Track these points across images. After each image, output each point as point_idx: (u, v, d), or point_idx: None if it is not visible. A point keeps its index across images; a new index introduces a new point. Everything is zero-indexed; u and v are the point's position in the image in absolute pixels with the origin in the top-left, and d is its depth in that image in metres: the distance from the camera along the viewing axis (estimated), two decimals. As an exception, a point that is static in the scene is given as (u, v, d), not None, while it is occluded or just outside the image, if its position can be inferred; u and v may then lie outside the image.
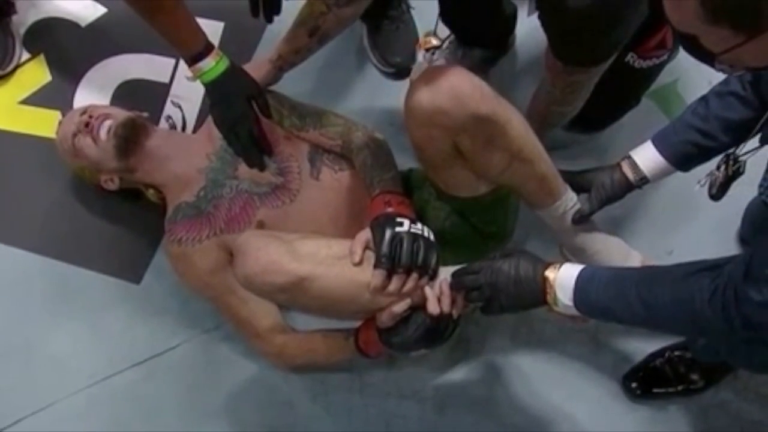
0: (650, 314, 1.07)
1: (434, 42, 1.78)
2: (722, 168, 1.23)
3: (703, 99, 1.29)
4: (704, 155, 1.28)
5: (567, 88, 1.41)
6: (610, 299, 1.10)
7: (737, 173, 1.22)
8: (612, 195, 1.34)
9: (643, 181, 1.33)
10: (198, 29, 1.39)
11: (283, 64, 1.51)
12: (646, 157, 1.32)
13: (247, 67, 1.48)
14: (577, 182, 1.36)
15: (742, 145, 1.22)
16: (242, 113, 1.44)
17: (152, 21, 1.36)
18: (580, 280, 1.12)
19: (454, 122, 1.21)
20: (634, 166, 1.32)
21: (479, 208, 1.40)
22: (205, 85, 1.42)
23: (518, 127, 1.25)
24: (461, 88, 1.20)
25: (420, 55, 1.81)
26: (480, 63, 1.77)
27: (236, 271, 1.25)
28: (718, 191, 1.25)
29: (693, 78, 1.75)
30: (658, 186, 1.35)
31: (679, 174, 1.34)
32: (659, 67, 1.53)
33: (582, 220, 1.35)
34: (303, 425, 1.55)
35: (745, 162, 1.22)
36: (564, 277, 1.13)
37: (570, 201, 1.34)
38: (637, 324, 1.13)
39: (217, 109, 1.46)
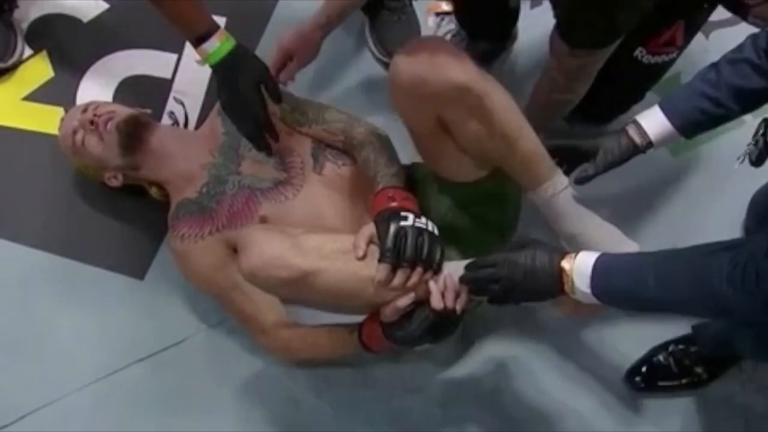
0: (669, 296, 1.06)
1: (444, 7, 1.78)
2: (761, 132, 1.20)
3: (714, 66, 1.27)
4: (712, 122, 1.27)
5: (571, 74, 1.40)
6: (628, 284, 1.09)
7: None
8: (618, 159, 1.34)
9: (649, 145, 1.32)
10: (203, 10, 1.37)
11: (331, 28, 1.50)
12: (654, 122, 1.31)
13: (297, 35, 1.47)
14: (583, 149, 1.35)
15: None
16: (250, 97, 1.41)
17: (157, 2, 1.35)
18: (598, 266, 1.11)
19: (433, 90, 1.22)
20: (641, 130, 1.32)
21: (478, 195, 1.40)
22: (212, 67, 1.39)
23: (499, 101, 1.25)
24: (439, 57, 1.21)
25: (430, 20, 1.81)
26: (483, 55, 1.76)
27: (240, 265, 1.25)
28: (758, 158, 1.22)
29: (696, 71, 1.74)
30: (660, 179, 1.35)
31: (683, 167, 1.33)
32: (667, 65, 1.53)
33: (585, 180, 1.34)
34: (307, 420, 1.55)
35: None
36: (581, 264, 1.13)
37: (560, 184, 1.32)
38: (656, 307, 1.12)
39: (223, 92, 1.41)
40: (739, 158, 1.25)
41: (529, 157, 1.30)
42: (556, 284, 1.15)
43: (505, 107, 1.26)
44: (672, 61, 1.52)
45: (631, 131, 1.33)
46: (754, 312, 1.00)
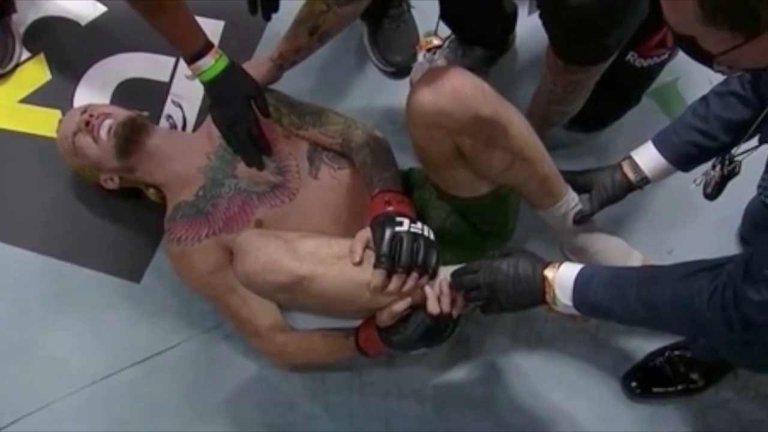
0: (650, 314, 1.07)
1: (435, 42, 1.78)
2: (717, 168, 1.23)
3: (704, 99, 1.29)
4: (705, 155, 1.28)
5: (568, 87, 1.41)
6: (609, 299, 1.10)
7: (733, 173, 1.22)
8: (613, 195, 1.34)
9: (644, 181, 1.33)
10: (197, 28, 1.39)
11: (283, 62, 1.51)
12: (647, 157, 1.32)
13: (247, 66, 1.48)
14: (578, 182, 1.36)
15: (738, 145, 1.21)
16: (241, 113, 1.44)
17: (153, 20, 1.36)
18: (580, 279, 1.12)
19: (456, 124, 1.21)
20: (635, 166, 1.32)
21: (480, 208, 1.40)
22: (204, 84, 1.42)
23: (520, 128, 1.25)
24: (464, 90, 1.20)
25: (420, 56, 1.81)
26: (480, 62, 1.77)
27: (236, 270, 1.25)
28: (713, 191, 1.24)
29: (693, 77, 1.75)
30: (658, 185, 1.35)
31: (679, 173, 1.34)
32: (660, 66, 1.54)
33: (583, 220, 1.35)
34: (303, 424, 1.55)
35: (740, 162, 1.21)
36: (563, 276, 1.13)
37: (571, 201, 1.34)
38: (636, 323, 1.13)
39: (216, 108, 1.46)
40: (695, 181, 1.26)
41: (547, 179, 1.31)
42: (538, 293, 1.15)
43: (524, 132, 1.26)
44: (664, 63, 1.52)
45: (626, 167, 1.34)
46: (733, 333, 1.01)
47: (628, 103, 1.66)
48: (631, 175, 1.33)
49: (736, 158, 1.21)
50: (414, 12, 1.85)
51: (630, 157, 1.34)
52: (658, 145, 1.31)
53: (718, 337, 1.26)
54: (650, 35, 1.44)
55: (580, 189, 1.36)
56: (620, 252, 1.39)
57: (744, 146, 1.20)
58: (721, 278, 0.99)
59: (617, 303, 1.09)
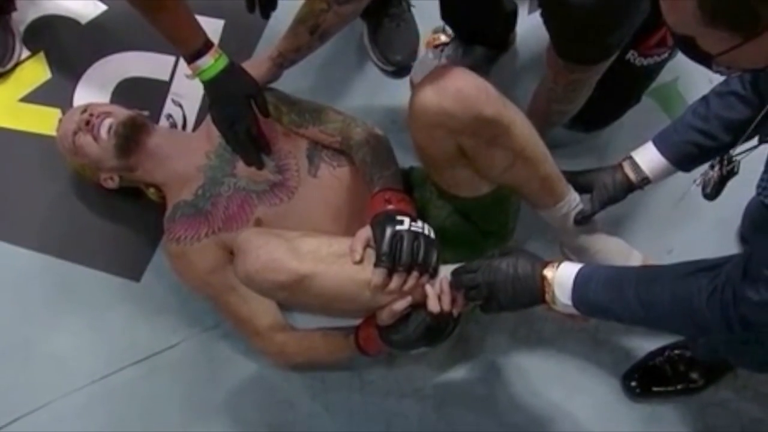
0: (649, 313, 1.07)
1: (443, 39, 1.78)
2: (716, 168, 1.23)
3: (704, 99, 1.29)
4: (706, 155, 1.28)
5: (569, 86, 1.41)
6: (608, 298, 1.10)
7: (731, 173, 1.22)
8: (614, 196, 1.34)
9: (645, 181, 1.33)
10: (198, 27, 1.39)
11: (283, 61, 1.51)
12: (648, 157, 1.32)
13: (247, 65, 1.48)
14: (579, 183, 1.36)
15: (737, 145, 1.21)
16: (241, 112, 1.44)
17: (153, 18, 1.36)
18: (579, 279, 1.12)
19: (459, 124, 1.21)
20: (636, 166, 1.33)
21: (481, 207, 1.40)
22: (204, 83, 1.42)
23: (522, 128, 1.25)
24: (467, 91, 1.20)
25: (429, 53, 1.81)
26: (481, 61, 1.77)
27: (237, 268, 1.25)
28: (712, 191, 1.24)
29: (693, 76, 1.75)
30: (658, 185, 1.35)
31: (680, 173, 1.34)
32: (660, 66, 1.54)
33: (584, 221, 1.35)
34: (303, 424, 1.55)
35: (739, 162, 1.21)
36: (562, 275, 1.13)
37: (573, 201, 1.34)
38: (635, 323, 1.13)
39: (215, 107, 1.46)
40: (695, 181, 1.26)
41: (548, 179, 1.31)
42: (537, 292, 1.15)
43: (527, 133, 1.26)
44: (665, 62, 1.52)
45: (626, 166, 1.34)
46: (732, 333, 1.01)
47: (629, 103, 1.66)
48: (631, 175, 1.33)
49: (734, 158, 1.21)
50: (414, 11, 1.85)
51: (630, 158, 1.34)
52: (658, 145, 1.31)
53: (718, 337, 1.26)
54: (651, 34, 1.44)
55: (580, 189, 1.36)
56: (620, 252, 1.39)
57: (743, 146, 1.20)
58: (720, 278, 0.99)
59: (616, 302, 1.09)
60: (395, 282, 1.24)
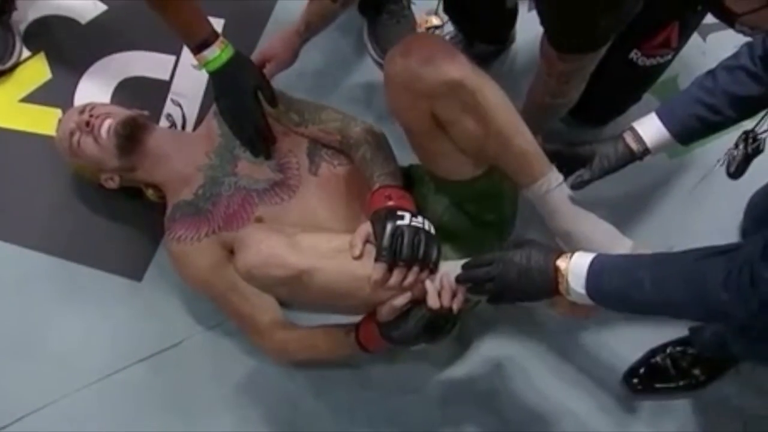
0: (663, 299, 1.06)
1: (435, 21, 1.79)
2: (741, 146, 1.22)
3: (711, 73, 1.28)
4: (708, 129, 1.27)
5: (562, 77, 1.41)
6: (623, 285, 1.09)
7: (757, 151, 1.21)
8: (615, 165, 1.33)
9: (646, 152, 1.32)
10: (203, 17, 1.39)
11: (309, 34, 1.52)
12: (650, 129, 1.31)
13: (275, 44, 1.49)
14: (580, 154, 1.35)
15: (762, 122, 1.20)
16: (247, 103, 1.44)
17: (158, 9, 1.36)
18: (593, 267, 1.11)
19: (427, 87, 1.22)
20: (638, 137, 1.32)
21: (474, 193, 1.40)
22: (210, 74, 1.42)
23: (493, 98, 1.25)
24: (433, 53, 1.22)
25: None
26: (481, 58, 1.77)
27: (237, 264, 1.25)
28: (736, 170, 1.23)
29: (694, 73, 1.73)
30: (660, 182, 1.35)
31: (679, 169, 1.33)
32: (662, 67, 1.54)
33: (581, 185, 1.34)
34: (305, 421, 1.55)
35: (764, 139, 1.20)
36: (576, 265, 1.13)
37: (554, 180, 1.31)
38: (649, 310, 1.12)
39: (222, 99, 1.46)
40: (719, 161, 1.26)
41: (524, 154, 1.30)
42: (551, 284, 1.15)
43: (500, 104, 1.26)
44: (667, 63, 1.52)
45: (628, 138, 1.33)
46: (748, 316, 1.00)
47: (629, 101, 1.66)
48: (633, 146, 1.32)
49: (759, 136, 1.20)
50: (414, 8, 1.85)
51: (632, 128, 1.33)
52: (662, 117, 1.30)
53: (732, 321, 1.24)
54: (655, 34, 1.44)
55: (582, 160, 1.35)
56: (607, 237, 1.34)
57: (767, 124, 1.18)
58: (737, 260, 0.99)
59: (631, 289, 1.08)
60: (395, 277, 1.24)
